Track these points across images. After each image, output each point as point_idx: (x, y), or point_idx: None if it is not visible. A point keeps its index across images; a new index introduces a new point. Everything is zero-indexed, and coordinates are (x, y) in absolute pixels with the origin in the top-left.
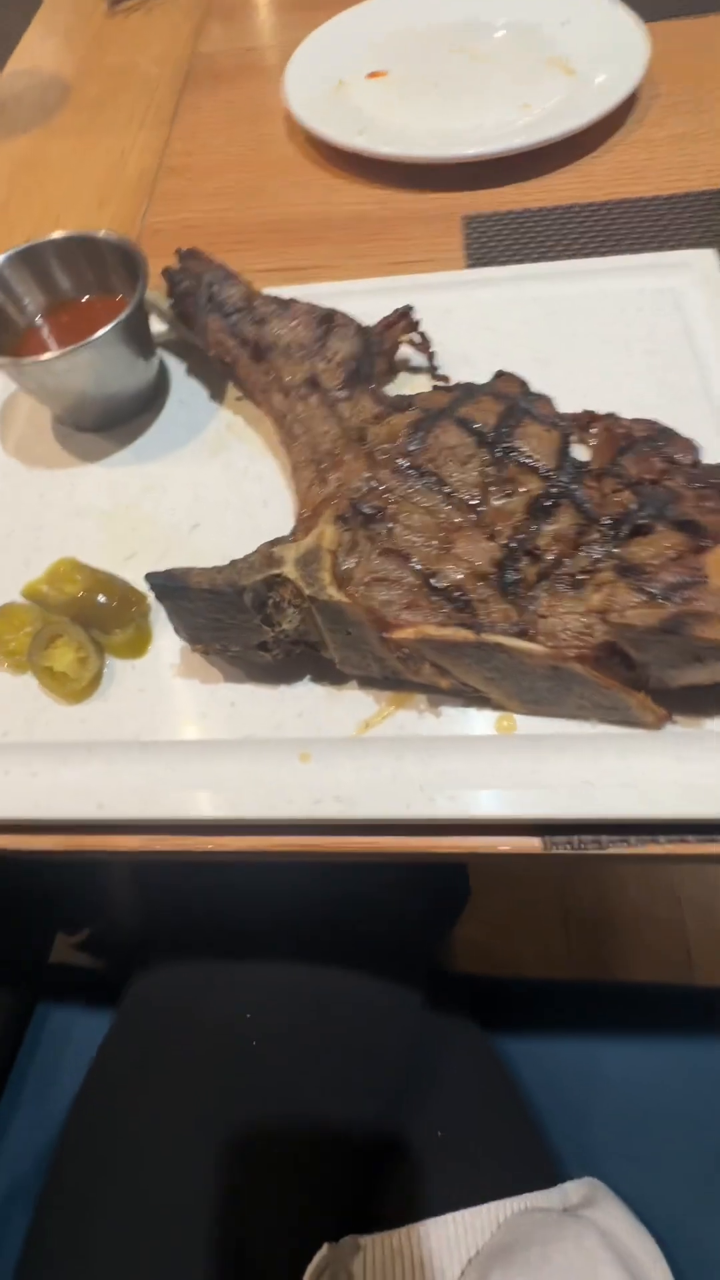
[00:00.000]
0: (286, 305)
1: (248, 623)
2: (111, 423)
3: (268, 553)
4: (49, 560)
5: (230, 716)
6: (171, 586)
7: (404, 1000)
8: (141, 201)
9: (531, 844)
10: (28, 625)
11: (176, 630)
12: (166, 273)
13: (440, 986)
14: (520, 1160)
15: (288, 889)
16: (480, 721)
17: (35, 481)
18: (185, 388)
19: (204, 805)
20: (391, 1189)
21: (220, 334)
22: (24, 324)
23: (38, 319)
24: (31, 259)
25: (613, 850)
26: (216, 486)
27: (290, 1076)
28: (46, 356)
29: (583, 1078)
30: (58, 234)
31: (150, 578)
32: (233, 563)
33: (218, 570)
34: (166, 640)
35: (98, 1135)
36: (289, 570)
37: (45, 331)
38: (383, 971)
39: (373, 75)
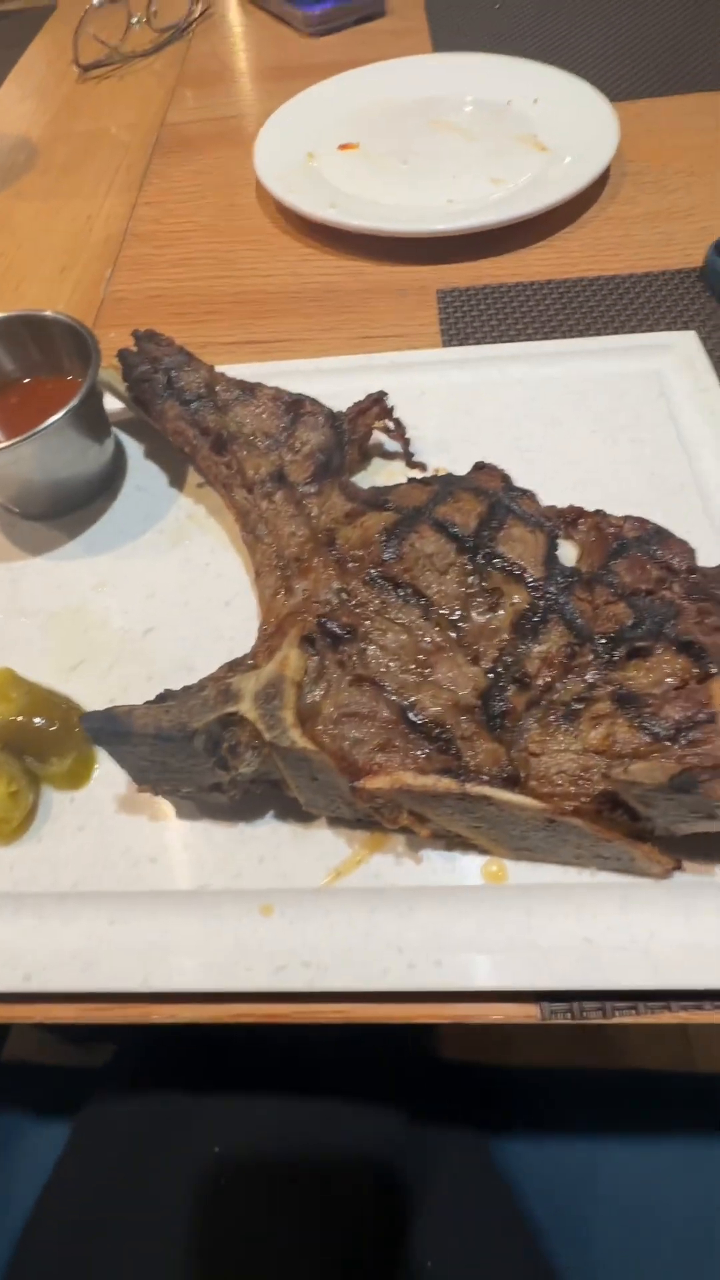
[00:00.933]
0: (251, 391)
1: (200, 766)
2: (63, 510)
3: (223, 686)
4: None
5: (182, 862)
6: (111, 731)
7: (385, 1119)
8: (105, 268)
9: (528, 1011)
10: None
11: (130, 773)
12: (122, 355)
13: (431, 1081)
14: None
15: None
16: (466, 867)
17: None
18: (143, 471)
19: (150, 975)
20: None
21: (179, 422)
22: None
23: None
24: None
25: (620, 1019)
26: (174, 584)
27: (261, 1216)
28: None
29: (582, 1183)
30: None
31: (86, 720)
32: (180, 697)
33: (164, 709)
34: (111, 768)
35: (52, 1266)
36: (246, 709)
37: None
38: (362, 1087)
39: (344, 147)
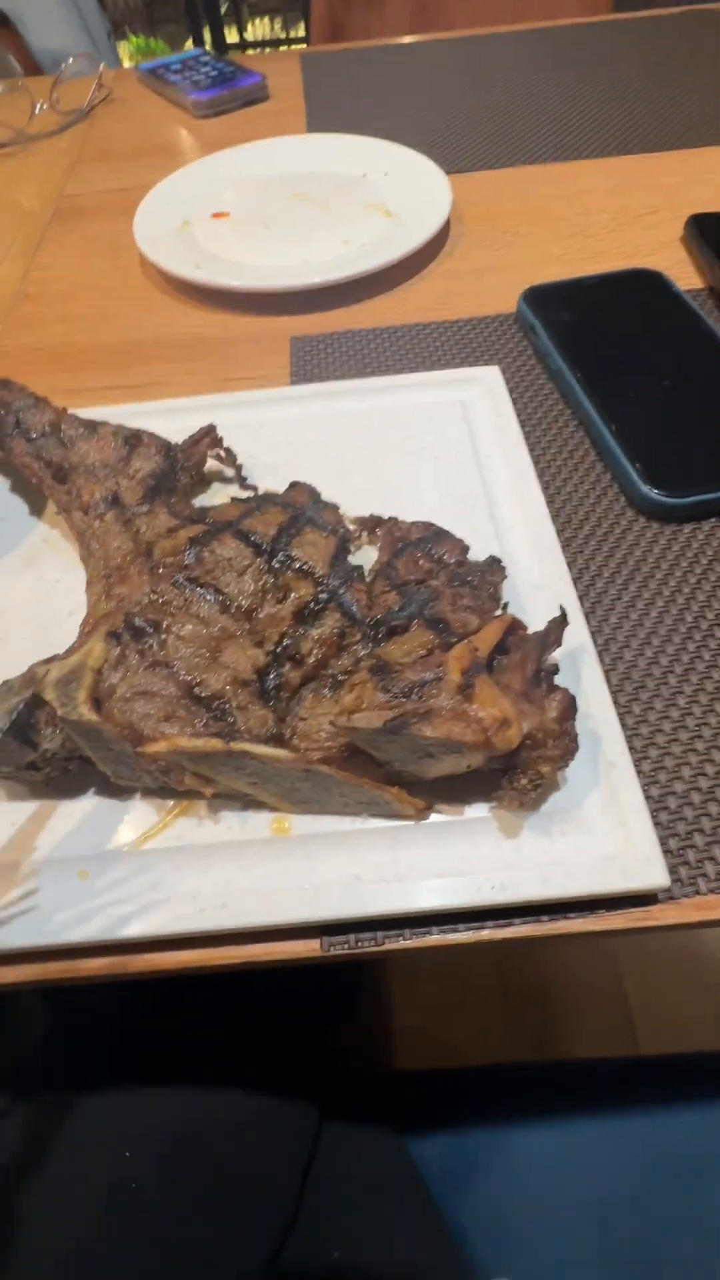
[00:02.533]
0: (94, 428)
1: (9, 744)
2: None
3: (30, 674)
4: None
5: (7, 835)
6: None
7: (296, 1119)
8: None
9: (310, 947)
10: None
11: None
12: None
13: (349, 1091)
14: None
15: (144, 1008)
16: (257, 824)
17: None
18: (5, 505)
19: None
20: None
21: (25, 457)
22: None
23: None
24: None
25: (390, 946)
26: (23, 600)
27: (173, 1216)
28: None
29: (496, 1169)
30: None
31: None
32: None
33: None
34: None
35: None
36: (47, 692)
37: None
38: (269, 1085)
39: (216, 215)
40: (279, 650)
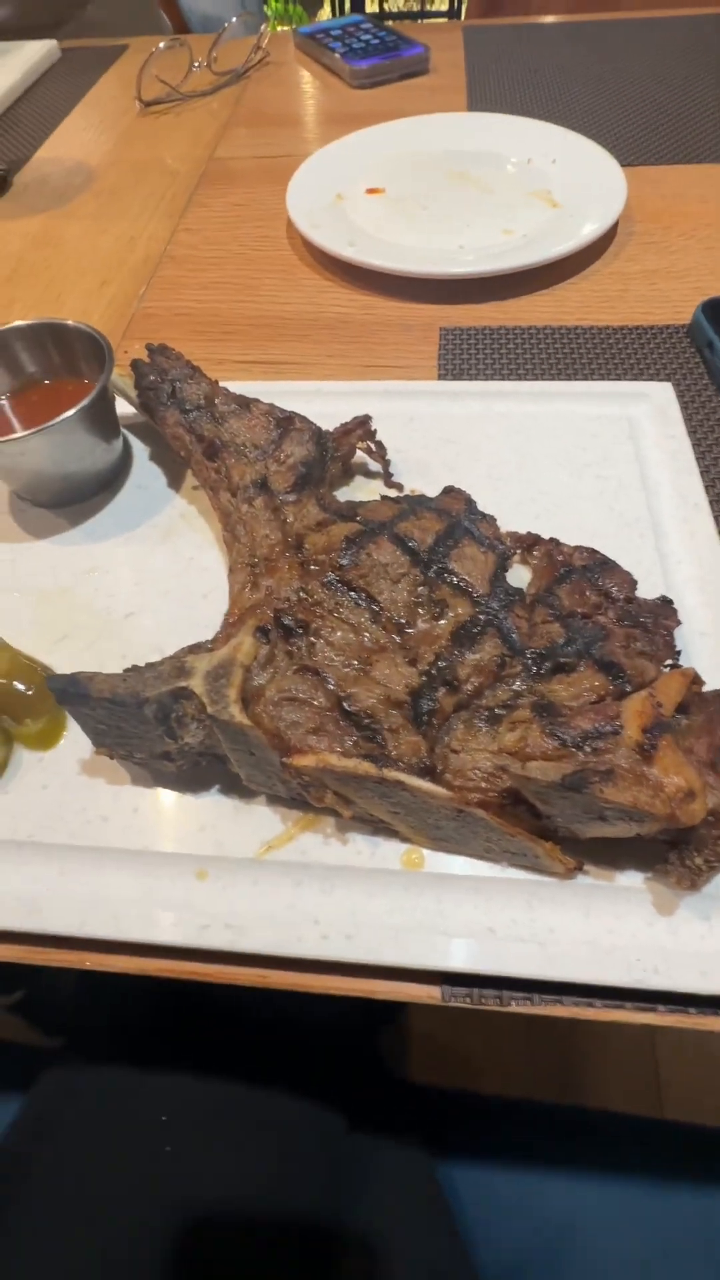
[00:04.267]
0: (247, 405)
1: (150, 733)
2: (68, 501)
3: (179, 663)
4: None
5: (131, 824)
6: (73, 693)
7: (327, 1118)
8: (140, 286)
9: (431, 993)
10: None
11: (90, 736)
12: (134, 364)
13: (382, 1098)
14: None
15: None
16: (387, 853)
17: None
18: (146, 472)
19: (87, 923)
20: None
21: (177, 428)
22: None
23: (2, 399)
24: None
25: (515, 1008)
26: (160, 574)
27: (202, 1190)
28: (4, 439)
29: (522, 1212)
30: (26, 321)
31: (51, 681)
32: (140, 670)
33: (122, 678)
34: (78, 734)
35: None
36: (195, 684)
37: (8, 411)
38: (307, 1081)
39: (371, 191)
40: (433, 672)
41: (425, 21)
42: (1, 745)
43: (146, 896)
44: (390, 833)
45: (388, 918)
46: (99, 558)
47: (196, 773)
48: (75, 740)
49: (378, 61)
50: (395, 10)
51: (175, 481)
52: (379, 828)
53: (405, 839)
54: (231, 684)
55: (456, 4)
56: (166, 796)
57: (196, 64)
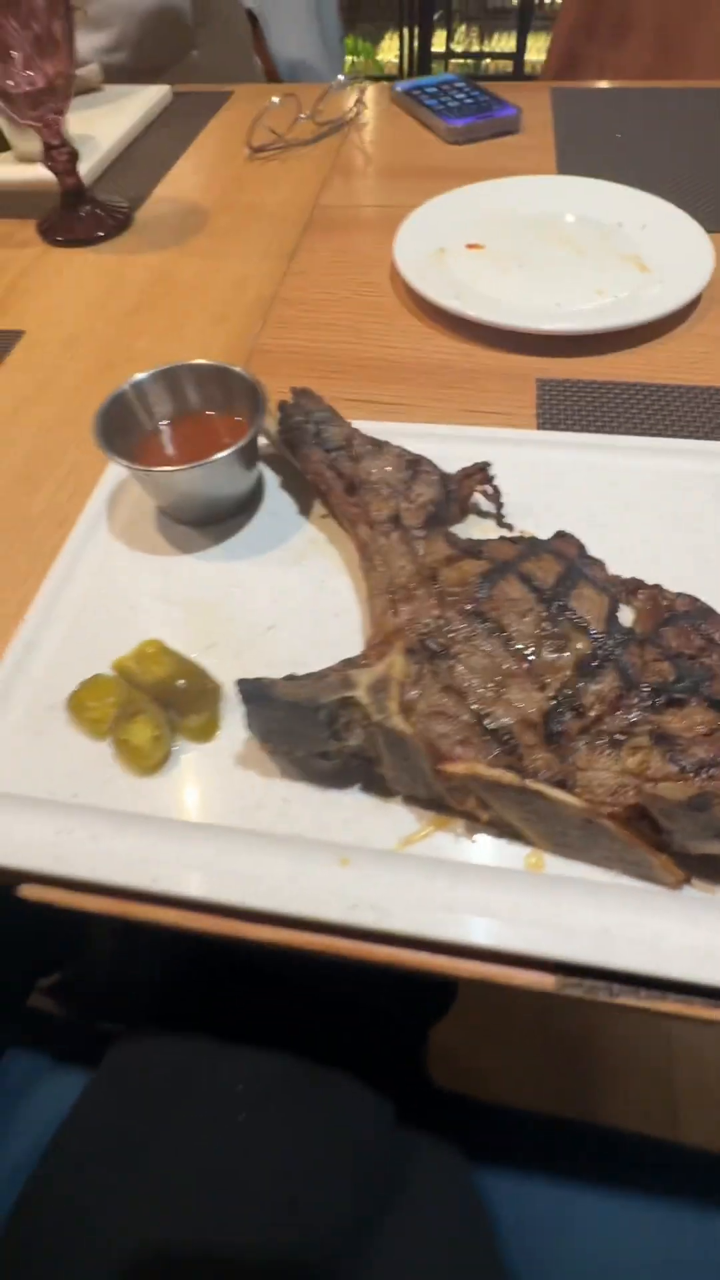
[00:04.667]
0: (380, 448)
1: (317, 734)
2: (209, 521)
3: (344, 675)
4: (137, 639)
5: (282, 812)
6: (258, 694)
7: (382, 1111)
8: (254, 323)
9: (545, 980)
10: (111, 697)
11: (249, 726)
12: (282, 405)
13: (424, 1098)
14: None
15: (275, 961)
16: (511, 855)
17: (134, 565)
18: (277, 500)
19: (247, 895)
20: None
21: (320, 465)
22: (149, 428)
23: (162, 424)
24: (170, 376)
25: (622, 1000)
26: (294, 594)
27: (265, 1164)
28: (171, 468)
29: (556, 1230)
30: (197, 361)
31: (241, 684)
32: (312, 678)
33: (299, 684)
34: (233, 730)
35: (66, 1190)
36: (361, 695)
37: (165, 437)
38: (360, 1064)
39: (471, 246)
40: (560, 699)
41: (513, 82)
42: (169, 736)
43: (296, 877)
44: (515, 836)
45: (511, 910)
46: (240, 575)
47: (343, 772)
48: (230, 736)
49: (473, 121)
50: (460, 50)
51: (305, 510)
52: (505, 832)
53: (529, 843)
54: (391, 697)
55: (521, 49)
56: (312, 791)
57: (303, 115)
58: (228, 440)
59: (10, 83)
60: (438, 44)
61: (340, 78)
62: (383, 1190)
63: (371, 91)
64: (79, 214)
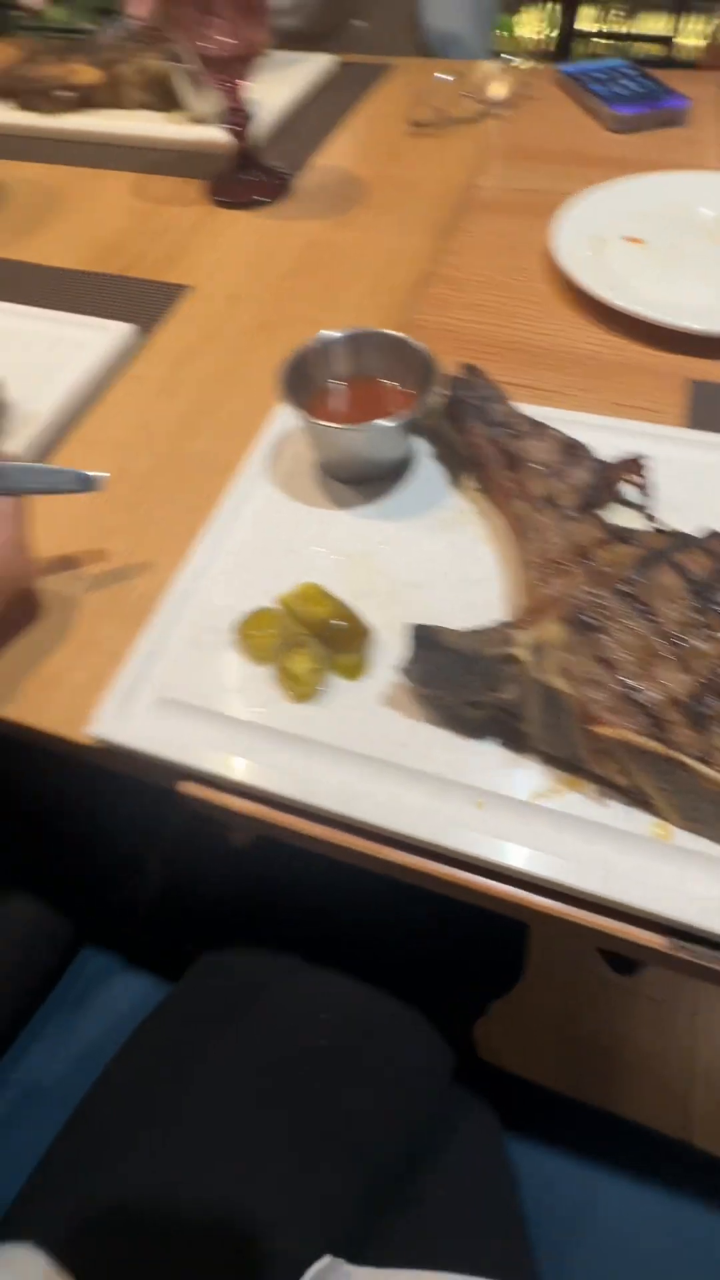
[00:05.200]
0: (540, 429)
1: (473, 683)
2: (364, 481)
3: (505, 633)
4: (296, 579)
5: (423, 752)
6: (428, 639)
7: (439, 1060)
8: (408, 297)
9: (658, 941)
10: (274, 628)
11: (407, 669)
12: (452, 379)
13: (470, 1061)
14: (510, 1257)
15: (364, 904)
16: (640, 821)
17: (295, 513)
18: (429, 469)
19: (387, 819)
20: (391, 1227)
21: (482, 440)
22: (322, 384)
23: (335, 383)
24: (352, 339)
25: None
26: (441, 557)
27: (331, 1081)
28: (343, 426)
29: (581, 1205)
30: (378, 329)
31: (416, 628)
32: (475, 631)
33: (464, 635)
34: (381, 672)
35: (137, 1088)
36: (522, 653)
37: (337, 395)
38: (429, 1018)
39: (630, 239)
40: (704, 682)
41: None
42: (324, 669)
43: (436, 812)
44: (645, 806)
45: (637, 871)
46: (390, 535)
47: (486, 724)
48: (378, 677)
49: (642, 111)
50: (604, 29)
51: (454, 481)
52: (635, 800)
53: (659, 814)
54: (549, 657)
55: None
56: (454, 739)
57: (465, 94)
58: (393, 407)
59: (211, 45)
60: (582, 21)
61: (506, 57)
62: (428, 1137)
63: (535, 72)
64: (245, 178)
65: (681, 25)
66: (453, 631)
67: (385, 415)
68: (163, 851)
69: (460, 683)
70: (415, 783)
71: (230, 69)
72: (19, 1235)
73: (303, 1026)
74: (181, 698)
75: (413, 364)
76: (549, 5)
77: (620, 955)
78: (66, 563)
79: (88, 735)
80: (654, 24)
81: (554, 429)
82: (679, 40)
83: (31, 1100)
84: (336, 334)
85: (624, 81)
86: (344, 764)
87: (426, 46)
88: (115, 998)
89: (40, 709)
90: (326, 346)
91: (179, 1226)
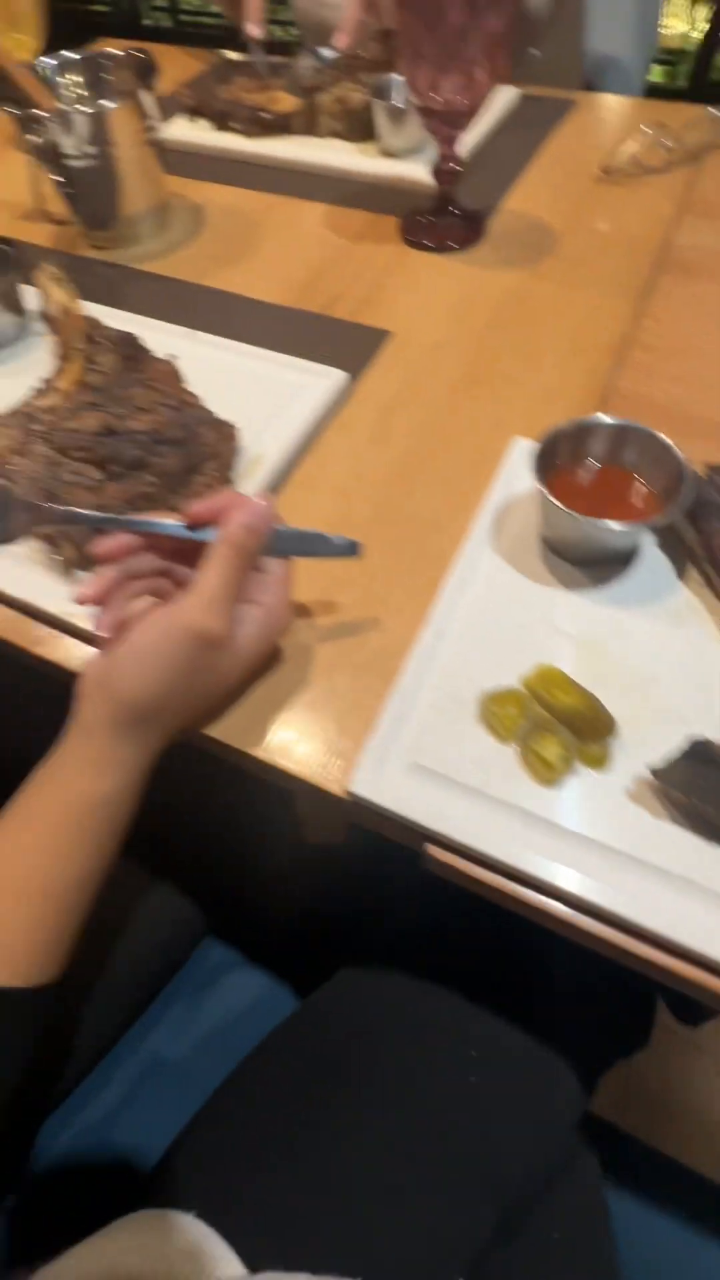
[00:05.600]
0: None
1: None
2: (590, 564)
3: None
4: (528, 659)
5: (666, 851)
6: (705, 754)
7: (575, 1105)
8: (609, 362)
9: None
10: (517, 708)
11: (664, 775)
12: (696, 476)
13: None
14: None
15: (517, 950)
16: None
17: (523, 588)
18: (654, 558)
19: (633, 909)
20: (504, 1260)
21: None
22: (564, 462)
23: (578, 464)
24: (619, 430)
25: None
26: (672, 652)
27: (479, 1117)
28: (590, 519)
29: (677, 1270)
30: (635, 424)
31: (695, 742)
32: None
33: None
34: (623, 765)
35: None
36: None
37: (582, 477)
38: (572, 1062)
39: None
40: None
41: None
42: (572, 756)
43: (678, 908)
44: None
45: None
46: (622, 624)
47: (689, 816)
48: (619, 769)
49: None
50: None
51: (680, 573)
52: None
53: None
54: None
55: None
56: (694, 843)
57: (665, 143)
58: (637, 502)
59: (439, 100)
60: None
61: (710, 109)
62: (550, 1178)
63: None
64: (443, 221)
65: None
66: None
67: (627, 508)
68: (310, 857)
69: (716, 792)
70: (664, 880)
71: (455, 123)
72: (175, 1204)
73: (453, 1059)
74: (430, 765)
75: (665, 466)
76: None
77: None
78: (300, 610)
79: (345, 791)
80: None
81: None
82: None
83: (153, 1074)
84: (604, 420)
85: None
86: (591, 852)
87: (588, 76)
88: (236, 988)
89: (287, 754)
90: (582, 429)
91: (325, 1237)
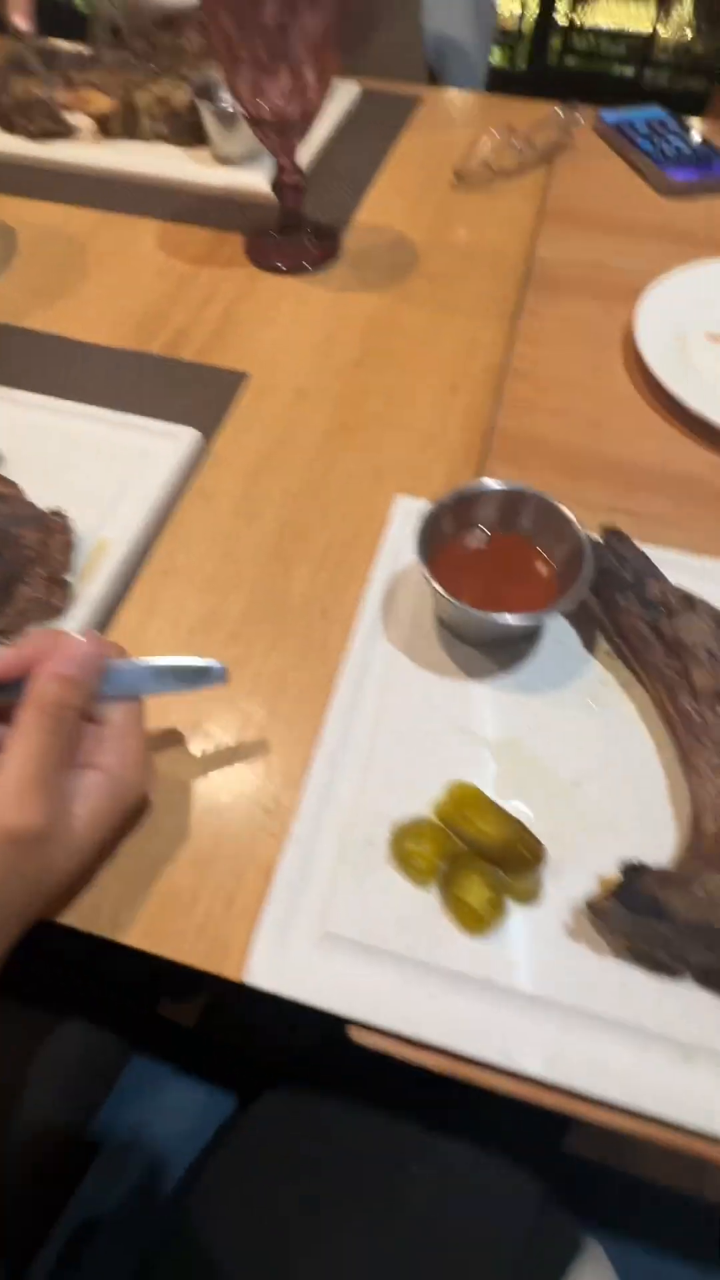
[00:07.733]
0: (691, 604)
1: (692, 946)
2: (492, 645)
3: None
4: (440, 776)
5: (619, 996)
6: (651, 909)
7: (525, 1192)
8: (488, 397)
9: None
10: (432, 845)
11: (608, 919)
12: (595, 547)
13: (565, 1169)
14: None
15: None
16: None
17: (424, 683)
18: (560, 628)
19: (595, 1082)
20: None
21: (636, 621)
22: (450, 535)
23: (464, 534)
24: (507, 495)
25: None
26: (595, 745)
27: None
28: (482, 612)
29: None
30: (526, 488)
31: (628, 898)
32: (693, 894)
33: (694, 902)
34: (557, 895)
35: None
36: None
37: (465, 549)
38: (512, 1145)
39: (712, 337)
40: None
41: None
42: (501, 897)
43: (636, 1068)
44: None
45: None
46: (535, 714)
47: (684, 975)
48: (553, 900)
49: (693, 178)
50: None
51: (588, 643)
52: None
53: None
54: None
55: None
56: (649, 980)
57: (515, 144)
58: (533, 577)
59: (267, 107)
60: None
61: (556, 109)
62: (528, 1269)
63: (574, 120)
64: (292, 240)
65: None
66: (678, 899)
67: (527, 582)
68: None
69: (674, 944)
70: (619, 1037)
71: (288, 132)
72: None
73: (417, 1191)
74: (341, 931)
75: (562, 533)
76: None
77: None
78: (167, 739)
79: (243, 978)
80: (622, 13)
81: (704, 603)
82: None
83: (88, 1238)
84: (490, 485)
85: (670, 138)
86: (536, 1014)
87: (429, 60)
88: (166, 1111)
89: (164, 937)
90: (464, 499)
91: None
